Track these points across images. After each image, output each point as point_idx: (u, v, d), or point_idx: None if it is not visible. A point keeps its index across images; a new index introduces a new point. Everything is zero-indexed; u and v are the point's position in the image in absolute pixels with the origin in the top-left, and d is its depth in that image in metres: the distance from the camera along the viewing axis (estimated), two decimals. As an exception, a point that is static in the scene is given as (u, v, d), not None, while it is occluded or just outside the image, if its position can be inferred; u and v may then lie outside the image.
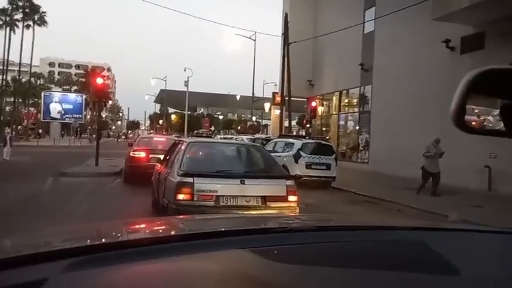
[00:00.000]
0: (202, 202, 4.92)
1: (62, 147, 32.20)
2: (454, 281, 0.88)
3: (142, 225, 1.50)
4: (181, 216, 3.28)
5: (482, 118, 0.92)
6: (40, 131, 53.64)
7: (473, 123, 0.90)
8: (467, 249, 1.06)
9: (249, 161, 6.24)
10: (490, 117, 0.91)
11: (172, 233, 1.26)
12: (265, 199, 5.13)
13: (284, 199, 5.18)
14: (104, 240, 1.11)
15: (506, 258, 1.03)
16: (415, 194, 11.00)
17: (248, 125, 33.08)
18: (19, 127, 51.41)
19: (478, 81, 0.81)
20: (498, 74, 0.84)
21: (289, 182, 5.35)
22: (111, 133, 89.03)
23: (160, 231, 1.34)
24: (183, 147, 5.78)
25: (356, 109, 22.01)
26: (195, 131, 23.08)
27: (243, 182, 5.09)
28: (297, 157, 12.49)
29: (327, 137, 17.34)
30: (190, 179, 5.00)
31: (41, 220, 5.34)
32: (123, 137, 61.32)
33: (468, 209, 8.82)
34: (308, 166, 12.41)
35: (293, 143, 13.24)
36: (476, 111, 0.90)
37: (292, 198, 5.22)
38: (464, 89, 0.81)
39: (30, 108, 57.30)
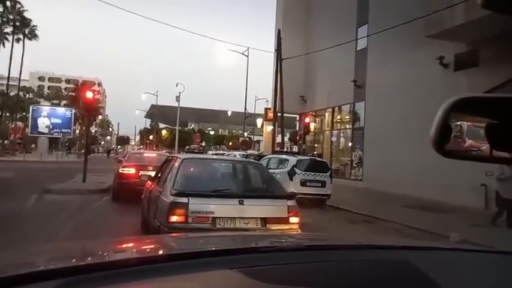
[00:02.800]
0: (197, 224, 4.54)
1: (49, 163, 31.46)
2: None
3: (130, 245, 1.48)
4: (169, 235, 3.08)
5: (464, 143, 0.94)
6: (32, 146, 52.57)
7: (455, 147, 0.92)
8: (453, 268, 1.06)
9: (247, 179, 5.88)
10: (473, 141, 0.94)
11: (161, 252, 1.25)
12: (265, 221, 4.78)
13: (285, 221, 4.84)
14: (90, 260, 1.09)
15: (491, 277, 1.03)
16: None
17: (240, 140, 32.82)
18: (6, 141, 50.35)
19: (456, 109, 0.87)
20: (474, 101, 0.90)
21: (291, 203, 5.01)
22: (100, 148, 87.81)
23: (149, 250, 1.33)
24: (176, 164, 5.43)
25: (349, 125, 21.93)
26: (187, 147, 22.70)
27: (241, 203, 4.74)
28: (291, 174, 12.21)
29: (315, 153, 17.10)
30: (184, 199, 4.63)
31: (19, 243, 4.93)
32: (111, 152, 59.90)
33: (469, 229, 8.60)
34: (303, 183, 12.12)
35: (287, 160, 12.98)
36: (458, 135, 0.93)
37: (293, 219, 4.88)
38: (443, 115, 0.86)
39: (18, 123, 56.35)
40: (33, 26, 48.04)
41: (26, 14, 46.97)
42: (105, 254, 1.24)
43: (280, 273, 0.93)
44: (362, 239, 3.03)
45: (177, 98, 39.01)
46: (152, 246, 1.42)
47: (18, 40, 46.65)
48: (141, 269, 0.88)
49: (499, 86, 10.15)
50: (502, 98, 0.88)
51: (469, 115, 0.92)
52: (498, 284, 0.98)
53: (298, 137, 23.61)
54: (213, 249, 1.18)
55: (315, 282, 0.89)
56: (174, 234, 3.21)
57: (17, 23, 46.54)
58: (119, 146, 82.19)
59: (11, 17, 46.20)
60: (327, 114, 24.26)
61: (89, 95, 16.23)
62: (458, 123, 0.93)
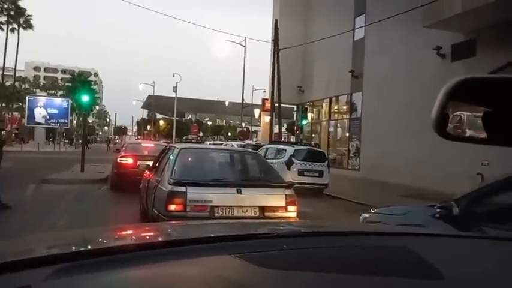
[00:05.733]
0: (196, 213, 4.59)
1: (46, 153, 31.38)
2: (438, 286, 0.88)
3: (128, 232, 1.48)
4: (168, 222, 3.09)
5: (463, 125, 0.95)
6: (36, 138, 52.30)
7: (456, 130, 0.93)
8: (451, 255, 1.07)
9: (245, 169, 5.92)
10: (473, 125, 0.94)
11: (158, 239, 1.24)
12: (263, 209, 4.84)
13: (283, 209, 4.89)
14: (88, 246, 1.09)
15: (489, 263, 1.04)
16: None
17: (238, 131, 32.82)
18: (2, 132, 50.09)
19: (458, 90, 0.86)
20: (477, 82, 0.88)
21: (289, 191, 5.06)
22: (98, 139, 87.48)
23: (147, 237, 1.32)
24: (174, 154, 5.46)
25: (346, 116, 21.96)
26: (185, 137, 22.69)
27: (239, 192, 4.79)
28: (289, 164, 12.27)
29: (312, 143, 17.17)
30: (182, 188, 4.67)
31: (18, 232, 4.97)
32: (111, 142, 59.26)
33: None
34: (300, 173, 12.19)
35: (285, 150, 13.03)
36: (458, 118, 0.93)
37: (291, 208, 4.94)
38: (444, 97, 0.85)
39: (14, 113, 56.03)
40: (28, 15, 47.45)
41: (20, 4, 46.41)
42: (103, 240, 1.24)
43: (279, 258, 0.93)
44: (360, 225, 3.06)
45: (174, 89, 38.88)
46: (151, 232, 1.42)
47: (13, 30, 46.12)
48: (140, 254, 0.89)
49: (499, 69, 10.13)
50: (504, 79, 0.87)
51: (469, 99, 0.90)
52: (497, 271, 0.98)
53: (295, 127, 23.61)
54: (212, 235, 1.18)
55: (314, 267, 0.89)
56: (172, 222, 3.25)
57: (12, 13, 45.95)
58: (116, 137, 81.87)
59: (5, 6, 45.61)
60: (324, 105, 24.25)
61: (86, 98, 16.84)
62: (458, 113, 0.93)
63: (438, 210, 3.23)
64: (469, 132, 0.96)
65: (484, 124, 0.89)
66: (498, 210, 3.11)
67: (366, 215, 4.05)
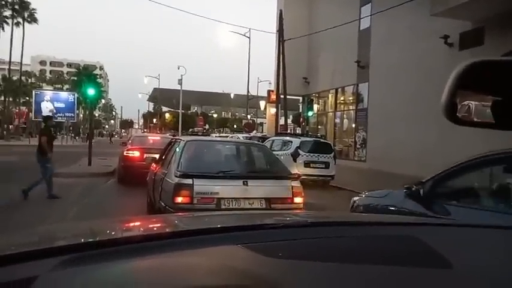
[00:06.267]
0: (203, 205, 4.61)
1: (54, 147, 31.63)
2: (447, 275, 0.87)
3: (135, 223, 1.48)
4: (175, 214, 3.10)
5: (471, 115, 0.93)
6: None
7: (464, 115, 0.91)
8: (460, 244, 1.06)
9: (251, 161, 5.92)
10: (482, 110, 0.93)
11: (165, 230, 1.25)
12: (269, 201, 4.84)
13: (289, 201, 4.90)
14: (95, 238, 1.10)
15: (498, 252, 1.03)
16: None
17: (243, 123, 32.78)
18: (10, 126, 50.54)
19: (469, 74, 0.83)
20: (489, 66, 0.85)
21: (295, 183, 5.06)
22: (104, 132, 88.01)
23: (153, 228, 1.33)
24: (180, 146, 5.47)
25: (352, 107, 21.82)
26: (190, 130, 22.74)
27: (245, 183, 4.79)
28: (295, 155, 12.25)
29: (319, 135, 17.09)
30: (189, 181, 4.69)
31: (29, 224, 5.03)
32: (114, 136, 59.28)
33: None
34: (307, 165, 12.17)
35: (291, 141, 13.00)
36: (466, 108, 0.91)
37: (297, 199, 4.94)
38: (454, 81, 0.82)
39: (22, 107, 56.45)
40: (33, 9, 47.59)
41: (24, -3, 46.46)
42: (110, 231, 1.24)
43: (285, 249, 0.93)
44: (367, 216, 3.07)
45: (179, 81, 38.82)
46: (157, 224, 1.42)
47: (17, 24, 46.27)
48: (146, 245, 0.89)
49: (510, 52, 9.92)
50: None
51: (480, 83, 0.87)
52: (506, 260, 0.97)
53: (301, 119, 23.52)
54: (219, 226, 1.18)
55: (320, 258, 0.89)
56: (179, 214, 3.26)
57: (16, 6, 46.06)
58: (122, 130, 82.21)
59: (10, 0, 45.69)
60: (330, 96, 24.11)
61: (91, 92, 17.23)
62: (466, 102, 0.91)
63: (408, 191, 3.69)
64: (478, 118, 0.94)
65: (493, 109, 0.87)
66: (456, 190, 3.60)
67: (355, 198, 4.61)
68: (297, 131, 24.13)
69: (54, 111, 46.54)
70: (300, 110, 29.09)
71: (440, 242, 1.01)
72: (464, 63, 0.83)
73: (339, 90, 23.04)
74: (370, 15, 18.45)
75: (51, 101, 46.84)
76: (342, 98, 23.26)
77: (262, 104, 36.80)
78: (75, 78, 55.89)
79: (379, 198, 4.22)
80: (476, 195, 3.56)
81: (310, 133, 17.84)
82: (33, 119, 49.64)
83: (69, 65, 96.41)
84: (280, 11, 21.94)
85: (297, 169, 11.64)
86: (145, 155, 10.51)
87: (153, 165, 6.88)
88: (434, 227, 1.27)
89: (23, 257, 0.79)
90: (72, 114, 47.62)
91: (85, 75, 47.37)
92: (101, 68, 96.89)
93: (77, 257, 0.80)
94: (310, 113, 23.37)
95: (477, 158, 3.37)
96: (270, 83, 34.02)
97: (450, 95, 0.84)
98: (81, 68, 60.47)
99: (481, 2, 11.10)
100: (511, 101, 0.85)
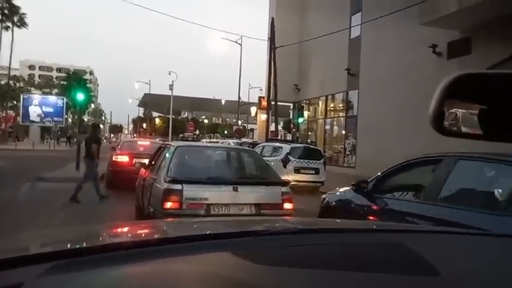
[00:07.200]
0: (192, 211, 4.57)
1: (41, 151, 31.20)
2: (434, 282, 0.87)
3: (123, 229, 1.46)
4: (164, 220, 3.10)
5: (459, 123, 0.95)
6: (30, 136, 51.97)
7: (452, 126, 0.93)
8: (448, 251, 1.07)
9: (241, 167, 5.91)
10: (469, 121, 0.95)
11: (155, 236, 1.23)
12: (259, 207, 4.83)
13: (279, 207, 4.89)
14: (83, 244, 1.08)
15: (485, 259, 1.03)
16: None
17: (234, 129, 32.78)
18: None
19: (455, 86, 0.85)
20: (475, 78, 0.87)
21: (285, 189, 5.07)
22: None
23: (142, 234, 1.31)
24: (170, 152, 5.44)
25: (342, 114, 21.97)
26: (181, 135, 22.63)
27: (235, 189, 4.78)
28: (285, 161, 12.27)
29: (309, 141, 17.18)
30: (178, 186, 4.65)
31: (12, 231, 4.92)
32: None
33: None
34: (297, 171, 12.19)
35: (281, 147, 13.02)
36: (453, 116, 0.93)
37: (287, 206, 4.94)
38: (441, 93, 0.85)
39: (9, 111, 55.64)
40: (22, 13, 47.11)
41: (14, 2, 46.04)
42: (99, 237, 1.22)
43: (275, 256, 0.93)
44: (357, 222, 3.09)
45: (170, 87, 38.75)
46: (147, 230, 1.41)
47: (7, 28, 45.76)
48: (136, 252, 0.88)
49: (499, 63, 10.12)
50: (501, 74, 0.86)
51: (466, 94, 0.89)
52: (493, 267, 0.97)
53: (292, 125, 23.61)
54: (208, 232, 1.17)
55: (310, 264, 0.89)
56: (168, 219, 3.23)
57: (6, 11, 45.59)
58: (112, 135, 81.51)
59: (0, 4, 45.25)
60: (320, 103, 24.27)
61: (81, 96, 17.41)
62: (453, 110, 0.92)
63: (355, 188, 4.53)
64: (464, 129, 0.96)
65: (479, 120, 0.89)
66: (392, 186, 4.36)
67: (324, 195, 5.49)
68: (288, 137, 24.21)
69: (42, 115, 46.05)
70: (291, 117, 29.21)
71: (427, 248, 1.01)
72: (451, 75, 0.85)
73: (329, 97, 23.20)
74: (361, 24, 18.69)
75: (39, 105, 46.28)
76: (332, 105, 23.42)
77: (253, 110, 36.88)
78: (65, 83, 55.40)
79: (340, 194, 5.09)
80: (407, 190, 4.34)
81: (300, 139, 17.92)
82: (20, 123, 48.97)
83: (59, 70, 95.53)
84: (272, 18, 22.11)
85: (287, 175, 11.64)
86: (134, 160, 10.43)
87: (143, 170, 6.82)
88: (421, 234, 1.28)
89: (8, 263, 0.78)
90: (61, 119, 47.07)
91: (75, 79, 47.00)
92: (91, 73, 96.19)
93: (64, 263, 0.79)
94: (300, 120, 23.46)
95: (409, 161, 4.22)
96: (261, 89, 34.20)
97: (437, 106, 0.86)
98: (71, 72, 59.98)
99: (469, 12, 11.32)
100: (496, 112, 0.86)
